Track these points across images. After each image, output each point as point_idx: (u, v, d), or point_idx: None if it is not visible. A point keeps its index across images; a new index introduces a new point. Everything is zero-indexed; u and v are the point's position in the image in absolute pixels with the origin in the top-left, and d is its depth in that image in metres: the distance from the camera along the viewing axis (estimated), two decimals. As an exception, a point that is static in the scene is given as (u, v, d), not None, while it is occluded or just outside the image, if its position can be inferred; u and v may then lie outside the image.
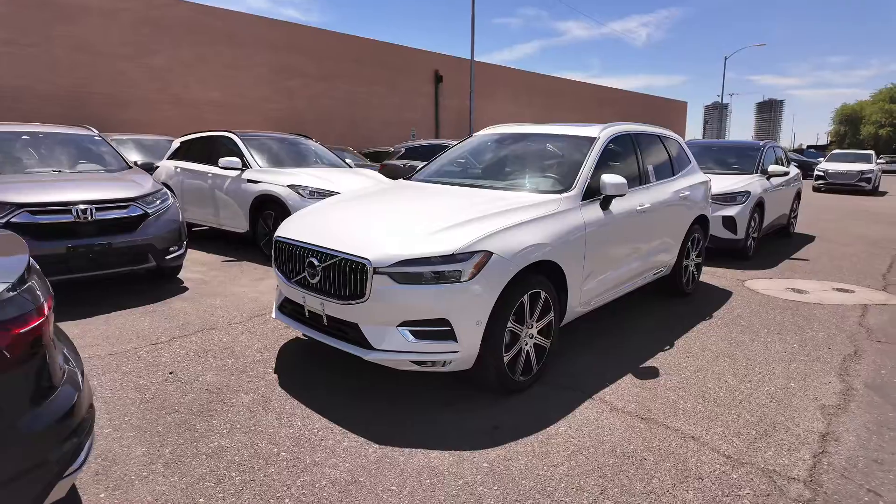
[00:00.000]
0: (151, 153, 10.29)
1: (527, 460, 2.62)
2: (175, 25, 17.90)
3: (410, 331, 2.96)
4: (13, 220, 4.47)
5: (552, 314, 3.45)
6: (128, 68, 16.96)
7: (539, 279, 3.31)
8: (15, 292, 1.74)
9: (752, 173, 7.81)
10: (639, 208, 4.33)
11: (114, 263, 4.96)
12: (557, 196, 3.71)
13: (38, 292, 1.87)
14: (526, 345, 3.31)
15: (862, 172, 19.23)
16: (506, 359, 3.15)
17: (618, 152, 4.49)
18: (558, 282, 3.54)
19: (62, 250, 4.62)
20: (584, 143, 4.26)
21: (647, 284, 4.91)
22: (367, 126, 23.70)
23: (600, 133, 4.36)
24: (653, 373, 3.65)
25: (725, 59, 42.73)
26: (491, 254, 2.99)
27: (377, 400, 3.20)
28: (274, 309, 3.71)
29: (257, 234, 7.04)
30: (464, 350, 2.98)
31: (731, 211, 6.92)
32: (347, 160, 9.04)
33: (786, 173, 8.31)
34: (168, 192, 5.71)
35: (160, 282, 5.71)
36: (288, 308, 3.57)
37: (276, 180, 6.75)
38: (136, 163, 8.04)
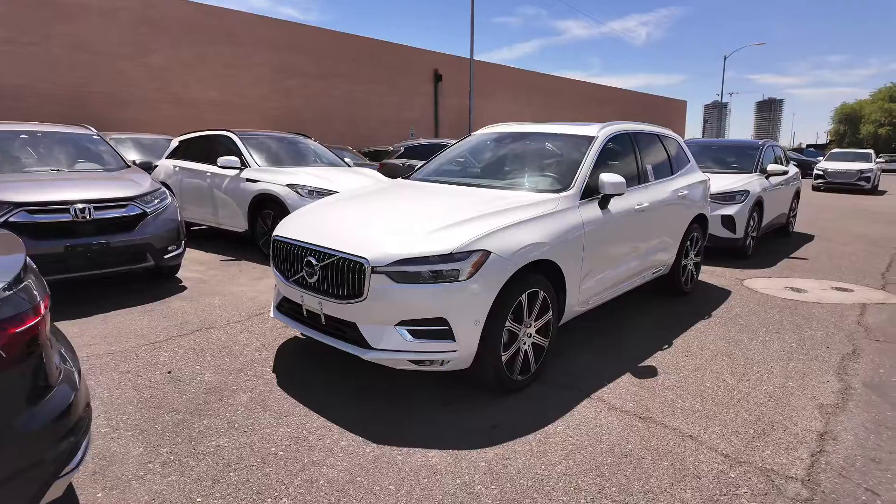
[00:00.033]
0: (150, 152, 10.28)
1: (525, 459, 2.62)
2: (174, 25, 17.89)
3: (408, 330, 2.96)
4: (11, 219, 4.47)
5: (550, 313, 3.45)
6: (127, 67, 16.95)
7: (537, 278, 3.30)
8: (11, 291, 1.73)
9: (751, 172, 7.81)
10: (637, 207, 4.33)
11: (112, 263, 4.95)
12: (556, 195, 3.71)
13: (35, 292, 1.86)
14: (524, 344, 3.31)
15: (861, 171, 19.24)
16: (504, 358, 3.14)
17: (616, 151, 4.48)
18: (557, 281, 3.53)
19: (60, 249, 4.62)
20: (583, 143, 4.26)
21: (645, 283, 4.91)
22: (366, 125, 23.69)
23: (599, 132, 4.35)
24: (651, 372, 3.65)
25: (725, 58, 42.77)
26: (489, 253, 2.99)
27: (375, 399, 3.20)
28: (272, 308, 3.71)
29: (256, 233, 7.04)
30: (462, 349, 2.98)
31: (730, 210, 6.92)
32: (346, 159, 9.04)
33: (785, 172, 8.31)
34: (166, 191, 5.71)
35: (159, 281, 5.71)
36: (286, 307, 3.56)
37: (275, 179, 6.74)
38: (134, 162, 8.04)
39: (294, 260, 3.35)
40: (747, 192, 7.08)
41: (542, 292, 3.33)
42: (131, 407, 3.05)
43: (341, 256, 3.04)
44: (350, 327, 3.08)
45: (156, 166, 8.70)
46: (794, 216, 9.65)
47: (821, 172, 20.06)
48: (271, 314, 3.69)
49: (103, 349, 3.86)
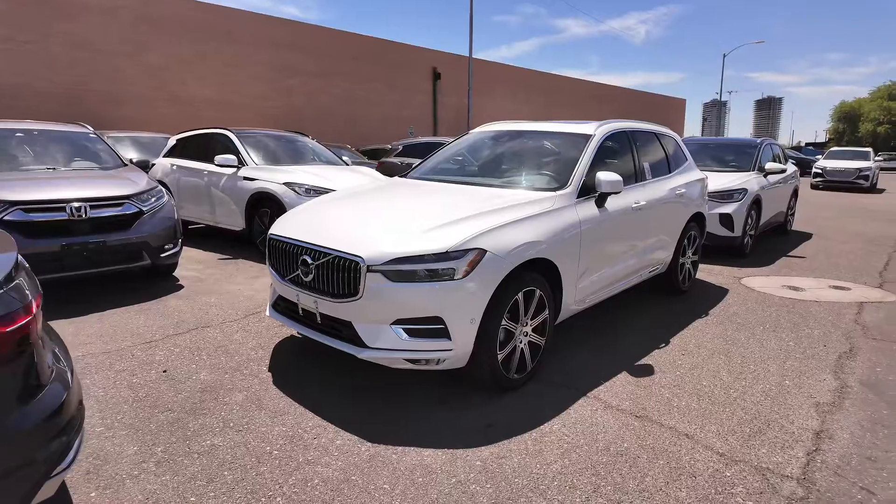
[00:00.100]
0: (148, 150, 10.26)
1: (520, 458, 2.61)
2: (173, 23, 17.85)
3: (404, 329, 2.95)
4: (6, 217, 4.45)
5: (547, 312, 3.44)
6: (125, 66, 16.91)
7: (533, 277, 3.30)
8: (1, 290, 1.72)
9: (749, 171, 7.80)
10: (634, 206, 4.32)
11: (108, 261, 4.94)
12: (552, 193, 3.70)
13: (27, 291, 1.85)
14: (520, 343, 3.30)
15: (860, 170, 19.25)
16: (500, 357, 3.14)
17: (614, 149, 4.48)
18: (553, 279, 3.53)
19: (56, 248, 4.61)
20: (580, 141, 4.25)
21: (643, 282, 4.90)
22: (365, 123, 23.65)
23: (596, 130, 4.34)
24: (648, 370, 3.64)
25: (724, 56, 42.75)
26: (485, 252, 2.98)
27: (371, 398, 3.20)
28: (268, 307, 3.70)
29: (253, 231, 7.03)
30: (458, 348, 2.97)
31: (728, 208, 6.92)
32: (344, 158, 9.02)
33: (783, 171, 8.31)
34: (163, 189, 5.70)
35: (155, 280, 5.69)
36: (282, 306, 3.55)
37: (273, 178, 6.73)
38: (131, 160, 8.02)
39: (289, 258, 3.34)
40: (745, 190, 7.07)
41: (538, 291, 3.33)
42: (126, 406, 3.04)
43: (336, 255, 3.03)
44: (346, 326, 3.07)
45: (153, 165, 8.68)
46: (793, 214, 9.65)
47: (819, 171, 20.06)
48: (267, 313, 3.68)
49: (99, 348, 3.85)
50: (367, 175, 7.30)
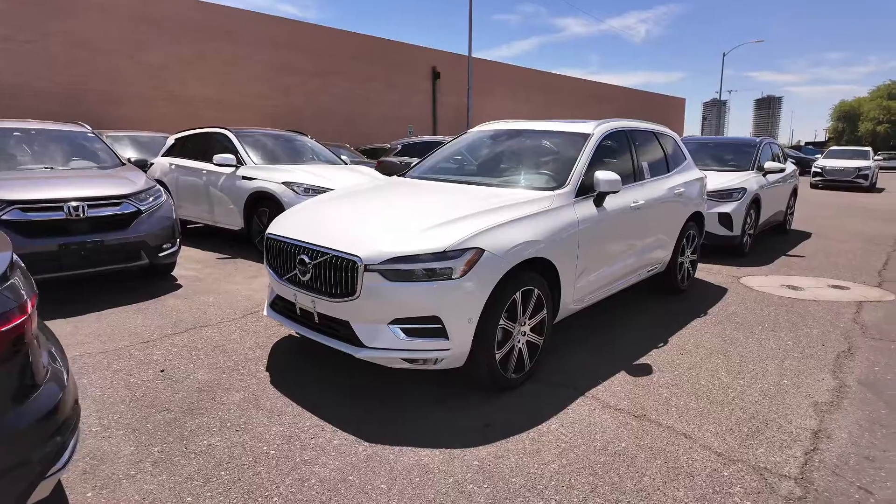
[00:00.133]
0: (147, 150, 10.25)
1: (518, 458, 2.61)
2: (172, 22, 17.82)
3: (402, 328, 2.95)
4: (4, 217, 4.45)
5: (545, 311, 3.44)
6: (124, 65, 16.89)
7: (532, 276, 3.29)
8: (-4, 290, 1.72)
9: (748, 170, 7.80)
10: (633, 205, 4.31)
11: (106, 261, 4.93)
12: (551, 193, 3.69)
13: (22, 290, 1.85)
14: (518, 342, 3.29)
15: (859, 169, 19.25)
16: (498, 356, 3.13)
17: (612, 149, 4.47)
18: (551, 279, 3.52)
19: (54, 247, 4.60)
20: (579, 140, 4.24)
21: (641, 281, 4.89)
22: (364, 123, 23.64)
23: (594, 129, 4.34)
24: (646, 370, 3.64)
25: (724, 55, 42.72)
26: (482, 251, 2.97)
27: (368, 398, 3.19)
28: (265, 306, 3.69)
29: (252, 231, 7.02)
30: (455, 347, 2.97)
31: (727, 208, 6.91)
32: (343, 157, 9.01)
33: (782, 170, 8.31)
34: (161, 189, 5.69)
35: (154, 279, 5.69)
36: (279, 305, 3.55)
37: (271, 177, 6.72)
38: (129, 159, 8.01)
39: (287, 258, 3.33)
40: (744, 189, 7.07)
41: (536, 290, 3.32)
42: (123, 406, 3.04)
43: (334, 254, 3.03)
44: (343, 326, 3.07)
45: (152, 164, 8.67)
46: (792, 214, 9.64)
47: (819, 170, 20.06)
48: (265, 312, 3.67)
49: (96, 348, 3.85)
50: (366, 174, 7.29)
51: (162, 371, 3.49)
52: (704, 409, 3.11)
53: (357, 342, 3.01)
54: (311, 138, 8.78)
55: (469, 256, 2.93)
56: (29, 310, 1.80)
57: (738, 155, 8.32)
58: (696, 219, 5.57)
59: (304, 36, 21.70)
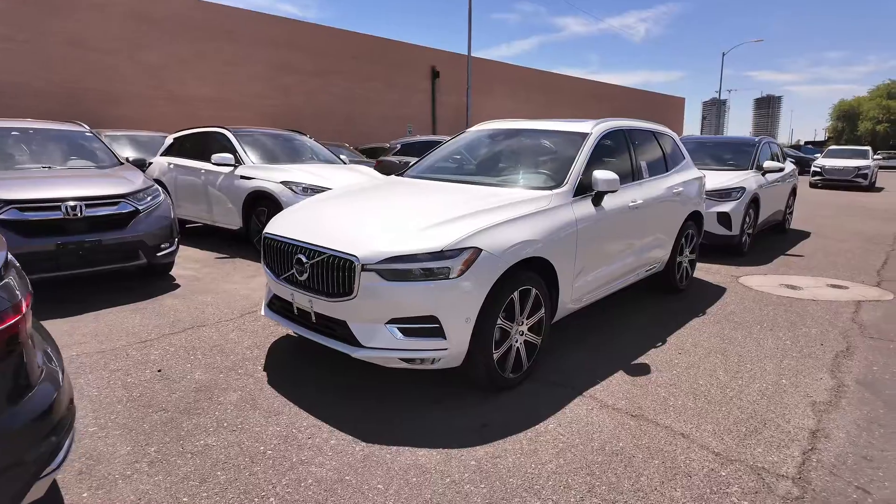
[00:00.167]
0: (146, 149, 10.25)
1: (515, 458, 2.60)
2: (170, 21, 17.82)
3: (399, 328, 2.94)
4: (1, 216, 4.44)
5: (543, 311, 3.43)
6: (124, 64, 16.89)
7: (529, 276, 3.28)
8: (-10, 290, 1.71)
9: (747, 169, 7.79)
10: (631, 204, 4.31)
11: (104, 260, 4.92)
12: (549, 192, 3.68)
13: (16, 290, 1.84)
14: (516, 342, 3.29)
15: (859, 168, 19.25)
16: (495, 356, 3.13)
17: (611, 148, 4.46)
18: (550, 278, 3.51)
19: (52, 247, 4.59)
20: (577, 139, 4.23)
21: (640, 281, 4.89)
22: (363, 122, 23.64)
23: (593, 129, 4.33)
24: (644, 370, 3.63)
25: (723, 55, 42.72)
26: (480, 250, 2.97)
27: (366, 397, 3.18)
28: (263, 306, 3.69)
29: (251, 230, 7.01)
30: (453, 347, 2.96)
31: (725, 207, 6.91)
32: (342, 156, 9.00)
33: (781, 169, 8.30)
34: (159, 188, 5.67)
35: (151, 279, 5.68)
36: (277, 305, 3.54)
37: (270, 177, 6.71)
38: (127, 159, 8.01)
39: (284, 257, 3.32)
40: (743, 188, 7.06)
41: (534, 290, 3.31)
42: (120, 406, 3.03)
43: (331, 254, 3.02)
44: (340, 325, 3.06)
45: (150, 163, 8.66)
46: (791, 213, 9.64)
47: (818, 169, 20.06)
48: (262, 312, 3.67)
49: (93, 347, 3.84)
50: (365, 174, 7.28)
51: (159, 371, 3.48)
52: (702, 409, 3.11)
53: (354, 342, 3.00)
54: (311, 138, 8.77)
55: (466, 256, 2.92)
56: (23, 309, 1.80)
57: (736, 154, 8.31)
58: (695, 218, 5.56)
59: (304, 35, 21.70)
